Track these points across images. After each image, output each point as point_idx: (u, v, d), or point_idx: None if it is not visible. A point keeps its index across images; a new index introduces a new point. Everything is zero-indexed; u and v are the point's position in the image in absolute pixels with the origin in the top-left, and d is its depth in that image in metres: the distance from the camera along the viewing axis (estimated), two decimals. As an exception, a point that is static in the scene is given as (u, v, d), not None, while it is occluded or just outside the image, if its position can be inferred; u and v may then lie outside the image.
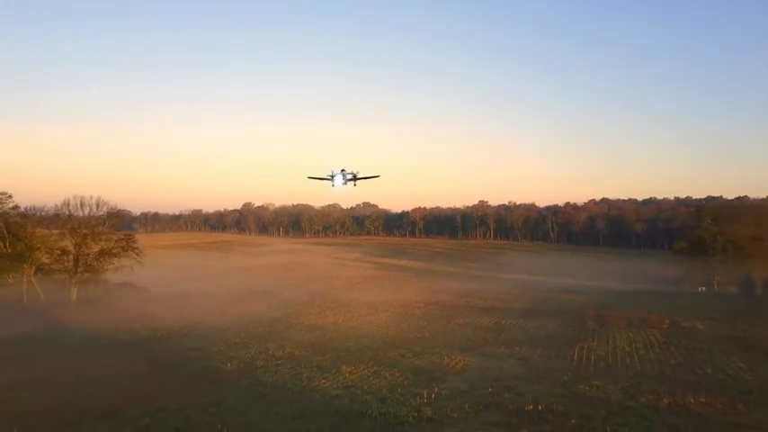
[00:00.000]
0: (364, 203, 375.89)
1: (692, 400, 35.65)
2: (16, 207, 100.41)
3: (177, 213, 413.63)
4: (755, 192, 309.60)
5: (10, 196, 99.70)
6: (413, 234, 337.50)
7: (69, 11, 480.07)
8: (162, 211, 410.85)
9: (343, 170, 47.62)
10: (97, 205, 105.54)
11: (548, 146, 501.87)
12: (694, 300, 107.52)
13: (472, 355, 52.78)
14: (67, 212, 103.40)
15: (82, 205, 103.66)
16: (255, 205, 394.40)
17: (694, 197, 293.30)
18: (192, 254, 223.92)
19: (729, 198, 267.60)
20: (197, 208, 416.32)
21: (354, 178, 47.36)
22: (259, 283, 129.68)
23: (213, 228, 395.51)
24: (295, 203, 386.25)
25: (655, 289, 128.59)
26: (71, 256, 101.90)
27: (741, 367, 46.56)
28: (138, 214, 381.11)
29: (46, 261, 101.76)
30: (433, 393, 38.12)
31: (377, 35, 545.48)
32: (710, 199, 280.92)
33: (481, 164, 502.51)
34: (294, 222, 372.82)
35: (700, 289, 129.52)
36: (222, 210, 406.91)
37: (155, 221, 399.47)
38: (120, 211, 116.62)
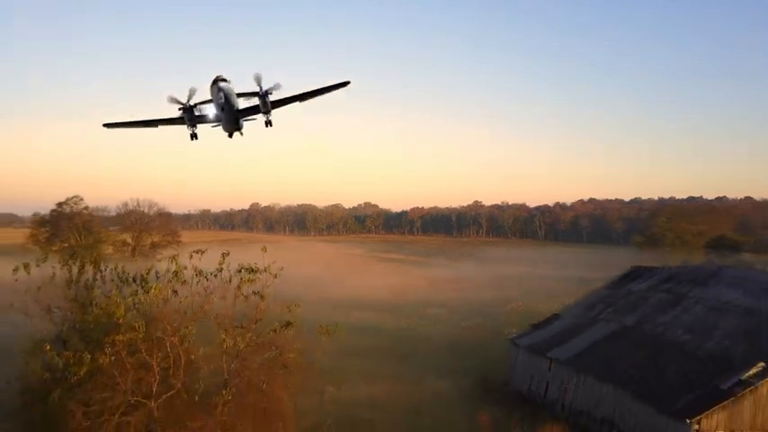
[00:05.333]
0: (365, 203, 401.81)
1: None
2: (87, 207, 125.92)
3: (187, 213, 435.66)
4: (733, 192, 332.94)
5: (81, 199, 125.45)
6: (411, 232, 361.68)
7: (70, 10, 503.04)
8: (171, 210, 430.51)
9: (218, 84, 23.53)
10: (149, 206, 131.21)
11: (544, 146, 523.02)
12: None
13: (440, 308, 78.58)
14: (126, 212, 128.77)
15: (138, 206, 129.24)
16: (262, 205, 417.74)
17: (677, 197, 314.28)
18: (211, 248, 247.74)
19: (710, 198, 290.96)
20: (205, 207, 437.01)
21: (265, 105, 24.18)
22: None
23: (222, 227, 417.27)
24: (299, 203, 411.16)
25: (608, 275, 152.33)
26: (129, 247, 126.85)
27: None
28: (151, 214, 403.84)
29: (109, 252, 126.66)
30: (410, 320, 63.35)
31: (377, 35, 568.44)
32: (691, 199, 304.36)
33: (478, 165, 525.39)
34: (299, 221, 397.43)
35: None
36: (230, 209, 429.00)
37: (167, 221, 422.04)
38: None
